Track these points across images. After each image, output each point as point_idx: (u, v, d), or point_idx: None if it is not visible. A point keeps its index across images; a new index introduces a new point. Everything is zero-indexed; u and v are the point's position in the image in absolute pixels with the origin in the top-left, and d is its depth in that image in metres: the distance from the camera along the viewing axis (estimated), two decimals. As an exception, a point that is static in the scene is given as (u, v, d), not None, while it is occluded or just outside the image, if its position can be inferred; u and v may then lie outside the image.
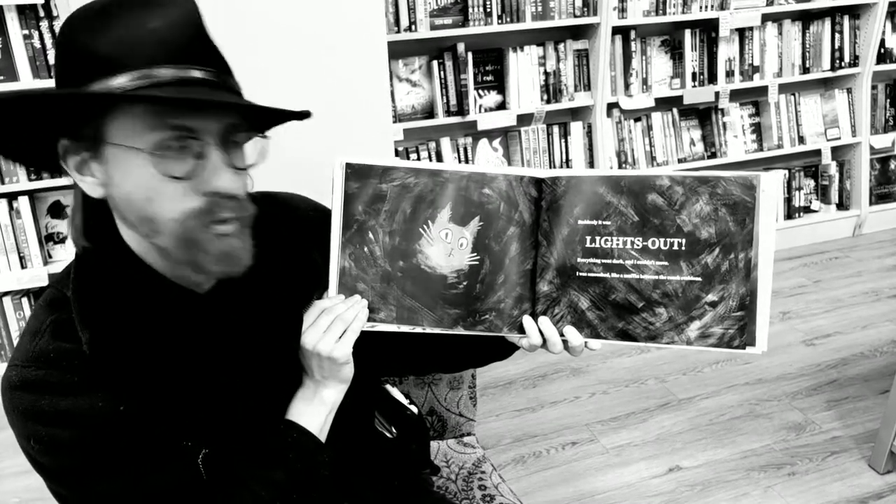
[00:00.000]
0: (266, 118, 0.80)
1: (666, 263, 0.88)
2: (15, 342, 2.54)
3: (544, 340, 0.91)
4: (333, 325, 0.85)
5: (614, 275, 0.89)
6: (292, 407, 0.89)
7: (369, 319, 0.88)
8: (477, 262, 0.90)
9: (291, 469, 0.85)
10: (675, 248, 0.88)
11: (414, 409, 1.15)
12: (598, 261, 0.89)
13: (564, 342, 0.91)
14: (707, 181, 0.86)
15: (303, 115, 0.80)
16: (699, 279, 0.87)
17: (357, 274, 0.88)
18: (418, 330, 0.90)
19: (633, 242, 0.88)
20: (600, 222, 0.89)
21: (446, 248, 0.89)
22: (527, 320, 0.91)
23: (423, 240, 0.89)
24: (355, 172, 0.86)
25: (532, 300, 0.91)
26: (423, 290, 0.89)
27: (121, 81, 0.70)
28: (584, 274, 0.89)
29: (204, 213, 0.74)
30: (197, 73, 0.73)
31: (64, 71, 0.74)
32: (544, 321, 0.90)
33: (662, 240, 0.88)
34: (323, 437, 0.89)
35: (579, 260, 0.89)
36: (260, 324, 0.87)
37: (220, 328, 0.84)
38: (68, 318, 0.77)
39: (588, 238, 0.89)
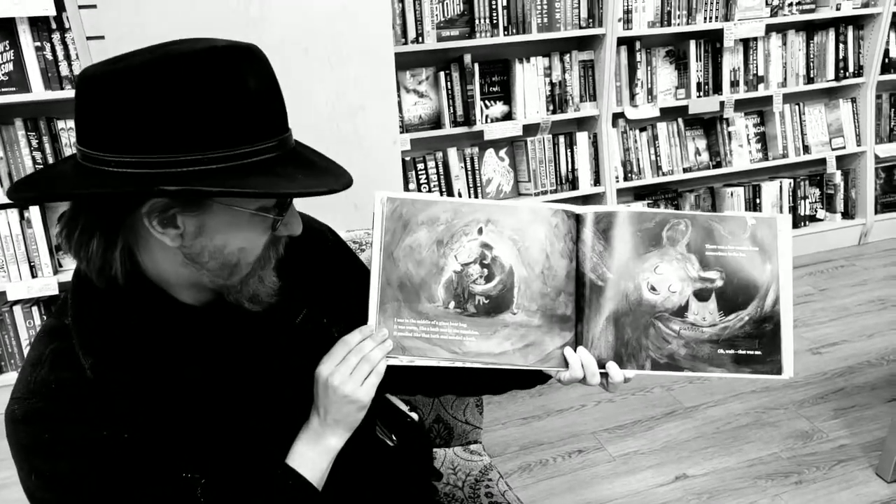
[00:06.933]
0: None
1: (714, 305, 0.92)
2: (26, 351, 2.57)
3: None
4: (360, 366, 0.84)
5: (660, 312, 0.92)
6: (294, 449, 0.87)
7: (398, 354, 0.87)
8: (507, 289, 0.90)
9: None
10: (719, 287, 0.92)
11: (415, 415, 1.14)
12: (648, 296, 0.92)
13: (602, 375, 0.91)
14: (730, 219, 0.93)
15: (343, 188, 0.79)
16: (739, 313, 0.92)
17: (387, 305, 0.88)
18: (458, 364, 0.89)
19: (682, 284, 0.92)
20: (653, 260, 0.92)
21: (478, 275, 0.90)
22: (569, 352, 0.91)
23: (450, 270, 0.88)
24: (394, 206, 0.87)
25: (574, 334, 0.91)
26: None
27: (264, 147, 0.72)
28: (631, 307, 0.91)
29: (266, 254, 0.79)
30: (290, 136, 0.77)
31: (173, 130, 0.68)
32: (584, 353, 0.90)
33: (709, 276, 0.92)
34: (321, 484, 0.87)
35: (629, 294, 0.91)
36: (255, 337, 0.86)
37: (218, 342, 0.83)
38: (68, 346, 0.76)
39: (640, 274, 0.91)
